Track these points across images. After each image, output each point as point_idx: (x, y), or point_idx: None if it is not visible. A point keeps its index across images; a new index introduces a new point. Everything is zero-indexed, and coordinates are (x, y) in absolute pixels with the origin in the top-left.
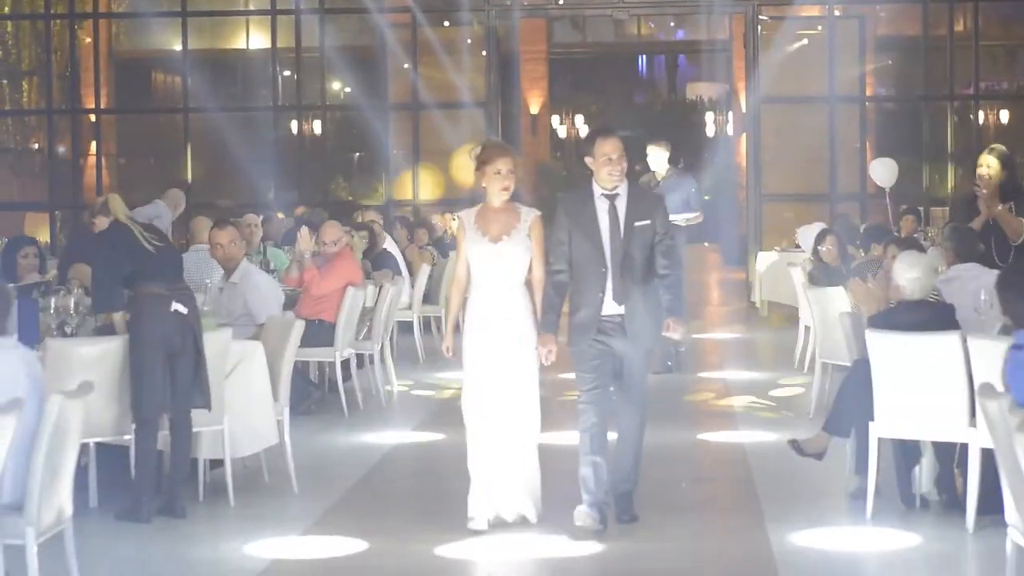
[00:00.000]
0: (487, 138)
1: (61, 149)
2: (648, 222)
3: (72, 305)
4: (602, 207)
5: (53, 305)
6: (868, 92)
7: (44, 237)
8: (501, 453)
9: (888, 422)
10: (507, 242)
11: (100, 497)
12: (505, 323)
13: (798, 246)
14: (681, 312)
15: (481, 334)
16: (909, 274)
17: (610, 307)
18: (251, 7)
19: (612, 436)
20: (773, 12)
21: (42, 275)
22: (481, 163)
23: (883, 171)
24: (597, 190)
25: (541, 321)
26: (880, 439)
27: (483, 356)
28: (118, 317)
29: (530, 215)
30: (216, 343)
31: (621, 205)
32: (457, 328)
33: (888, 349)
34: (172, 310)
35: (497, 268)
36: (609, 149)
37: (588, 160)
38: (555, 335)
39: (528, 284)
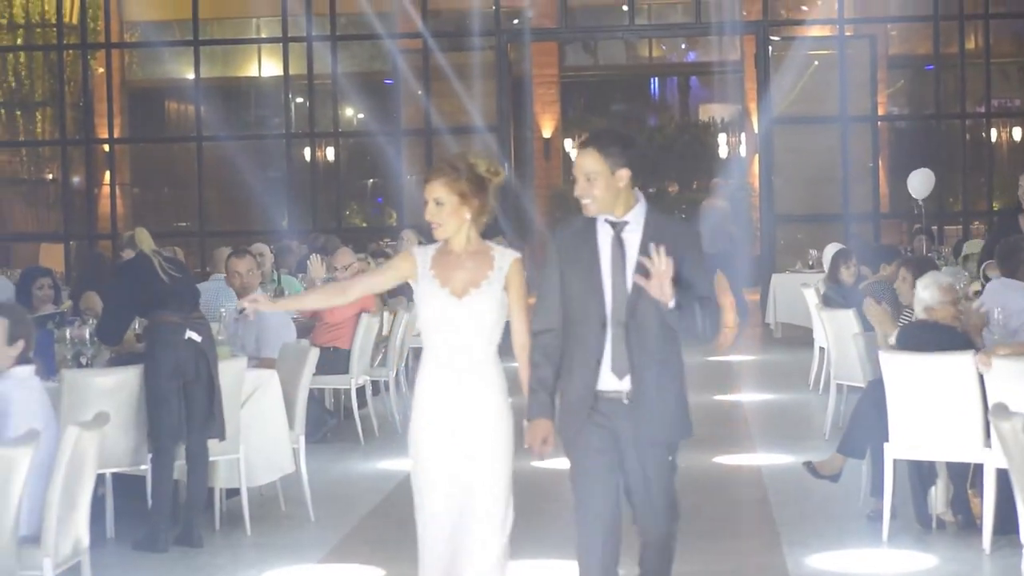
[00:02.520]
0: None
1: (75, 179)
2: (675, 266)
3: (87, 335)
4: (605, 240)
5: (68, 336)
6: (880, 111)
7: (59, 268)
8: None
9: (903, 443)
10: (475, 296)
11: (117, 527)
12: (469, 404)
13: (812, 267)
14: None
15: (437, 419)
16: (928, 293)
17: (609, 380)
18: (263, 35)
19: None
20: (784, 33)
21: (57, 306)
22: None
23: (919, 182)
24: (602, 216)
25: (529, 402)
26: (896, 460)
27: (440, 448)
28: (130, 336)
29: (507, 259)
30: (231, 371)
31: (632, 238)
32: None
33: (902, 369)
34: (186, 338)
35: (461, 331)
36: (578, 165)
37: None
38: (551, 420)
39: (498, 353)
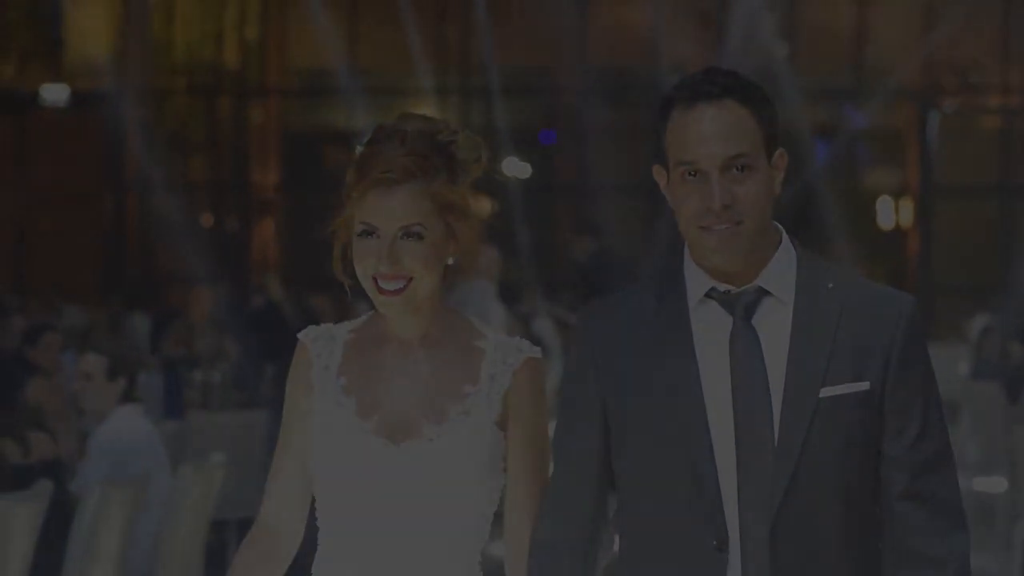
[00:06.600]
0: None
1: (229, 224)
2: (866, 386)
3: (217, 379)
4: (711, 332)
5: (198, 378)
6: None
7: (206, 311)
8: None
9: None
10: (433, 439)
11: None
12: None
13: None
14: None
15: None
16: None
17: None
18: (422, 86)
19: None
20: (949, 101)
21: (189, 348)
22: (348, 194)
23: None
24: (697, 282)
25: None
26: None
27: None
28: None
29: (511, 357)
30: None
31: (774, 328)
32: None
33: None
34: None
35: (397, 515)
36: (700, 136)
37: (661, 181)
38: None
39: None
